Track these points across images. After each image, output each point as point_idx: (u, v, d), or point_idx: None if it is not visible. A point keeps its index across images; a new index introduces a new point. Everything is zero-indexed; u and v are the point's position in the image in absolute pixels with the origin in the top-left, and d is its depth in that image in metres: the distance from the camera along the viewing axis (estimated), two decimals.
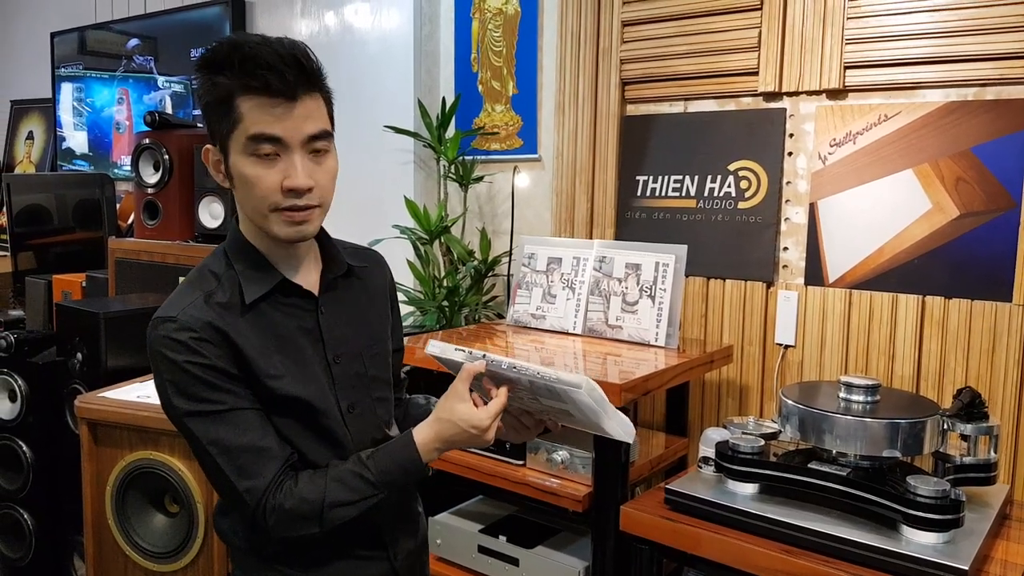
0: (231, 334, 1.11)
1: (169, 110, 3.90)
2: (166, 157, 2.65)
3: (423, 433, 1.17)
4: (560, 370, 1.10)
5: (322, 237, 1.25)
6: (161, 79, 3.99)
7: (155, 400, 1.88)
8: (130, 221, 3.19)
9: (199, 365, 1.09)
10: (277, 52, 1.06)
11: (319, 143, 1.12)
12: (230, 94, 1.07)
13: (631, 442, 1.22)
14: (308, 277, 1.22)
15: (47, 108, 4.70)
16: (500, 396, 1.15)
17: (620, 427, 1.20)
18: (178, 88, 3.90)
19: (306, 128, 1.09)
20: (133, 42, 4.14)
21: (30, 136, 4.94)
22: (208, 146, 1.15)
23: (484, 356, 1.15)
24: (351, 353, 1.23)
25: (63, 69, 4.51)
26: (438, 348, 1.20)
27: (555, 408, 1.18)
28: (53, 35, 4.54)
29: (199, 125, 3.26)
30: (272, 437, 1.14)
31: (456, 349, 1.19)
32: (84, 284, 3.16)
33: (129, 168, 2.86)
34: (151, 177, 2.70)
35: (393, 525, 1.28)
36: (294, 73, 1.07)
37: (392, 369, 1.34)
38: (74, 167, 4.49)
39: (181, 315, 1.10)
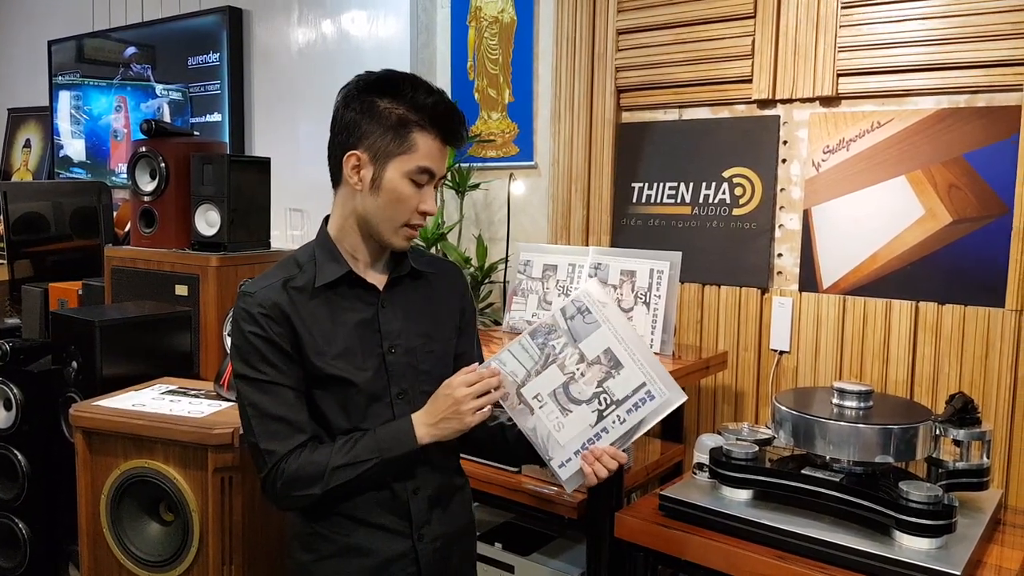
0: (292, 317, 1.29)
1: (167, 118, 3.90)
2: (162, 165, 2.64)
3: (420, 411, 1.32)
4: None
5: None
6: (159, 87, 4.00)
7: (150, 408, 1.89)
8: (127, 229, 3.19)
9: (258, 336, 1.28)
10: (456, 109, 1.32)
11: (443, 180, 1.40)
12: (406, 124, 1.27)
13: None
14: (378, 276, 1.38)
15: (44, 116, 4.71)
16: (487, 378, 1.31)
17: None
18: (176, 96, 3.91)
19: (444, 168, 1.35)
20: (131, 50, 4.15)
21: (27, 144, 4.94)
22: (356, 152, 1.29)
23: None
24: (406, 346, 1.36)
25: (60, 77, 4.52)
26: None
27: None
28: (51, 43, 4.55)
29: (196, 133, 3.27)
30: (304, 415, 1.30)
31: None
32: (80, 292, 3.15)
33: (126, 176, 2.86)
34: (147, 185, 2.70)
35: (425, 506, 1.36)
36: (463, 130, 1.33)
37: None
38: (71, 175, 4.50)
39: (259, 293, 1.30)
